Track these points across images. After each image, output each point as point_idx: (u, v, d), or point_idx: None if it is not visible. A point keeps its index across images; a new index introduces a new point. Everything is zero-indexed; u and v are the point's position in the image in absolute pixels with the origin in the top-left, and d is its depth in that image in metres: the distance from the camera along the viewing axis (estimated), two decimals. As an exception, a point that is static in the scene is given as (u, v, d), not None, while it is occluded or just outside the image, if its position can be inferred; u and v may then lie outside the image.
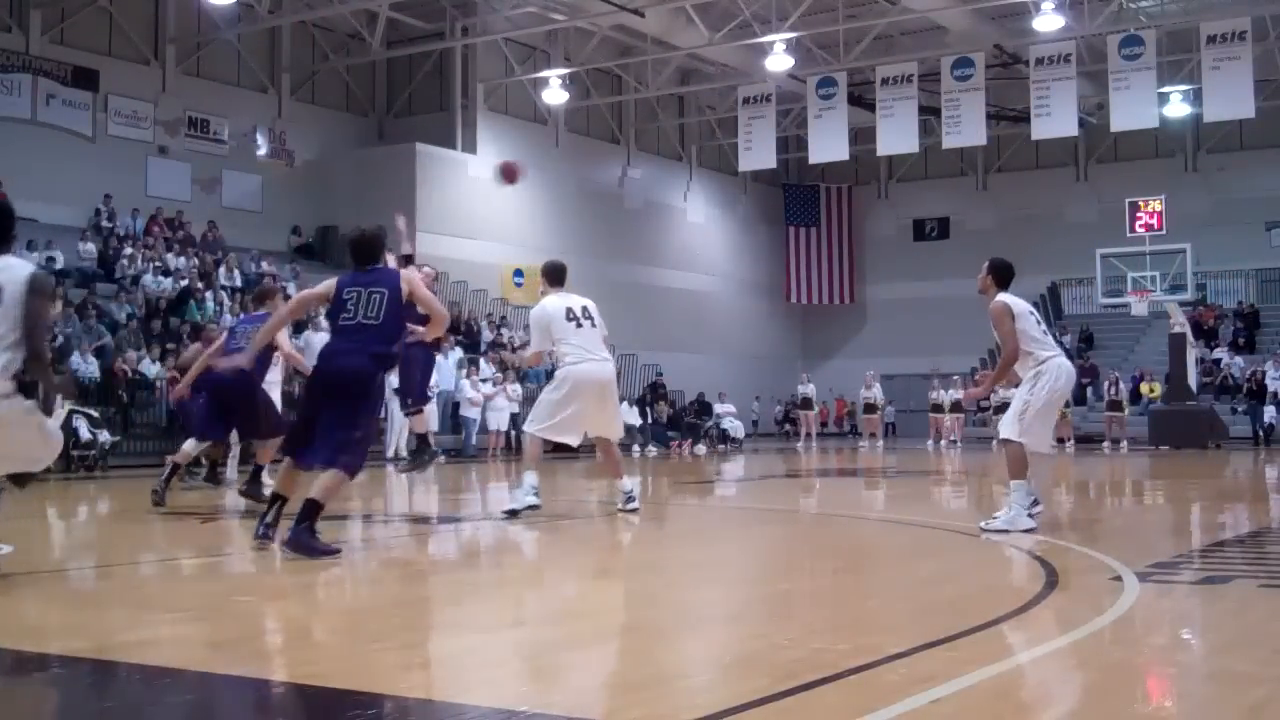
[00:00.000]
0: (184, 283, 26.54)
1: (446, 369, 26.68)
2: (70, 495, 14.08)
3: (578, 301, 10.87)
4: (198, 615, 5.95)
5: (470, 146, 34.93)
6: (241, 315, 14.02)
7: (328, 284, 8.15)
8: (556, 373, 10.71)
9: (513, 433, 27.67)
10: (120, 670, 4.60)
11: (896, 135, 32.93)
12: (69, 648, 5.05)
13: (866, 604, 6.34)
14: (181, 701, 4.23)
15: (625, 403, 30.12)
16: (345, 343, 7.87)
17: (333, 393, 7.74)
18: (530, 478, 10.50)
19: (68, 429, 18.93)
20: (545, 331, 10.64)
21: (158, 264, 26.96)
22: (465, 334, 30.57)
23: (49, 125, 28.16)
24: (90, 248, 26.50)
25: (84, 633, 5.47)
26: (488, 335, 31.43)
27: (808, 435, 34.38)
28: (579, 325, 10.57)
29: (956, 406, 32.91)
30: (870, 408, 34.45)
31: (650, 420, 30.55)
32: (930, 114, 33.86)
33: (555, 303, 10.73)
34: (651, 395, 32.04)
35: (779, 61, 32.95)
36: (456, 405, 26.42)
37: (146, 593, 6.89)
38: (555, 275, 11.11)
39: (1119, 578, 6.52)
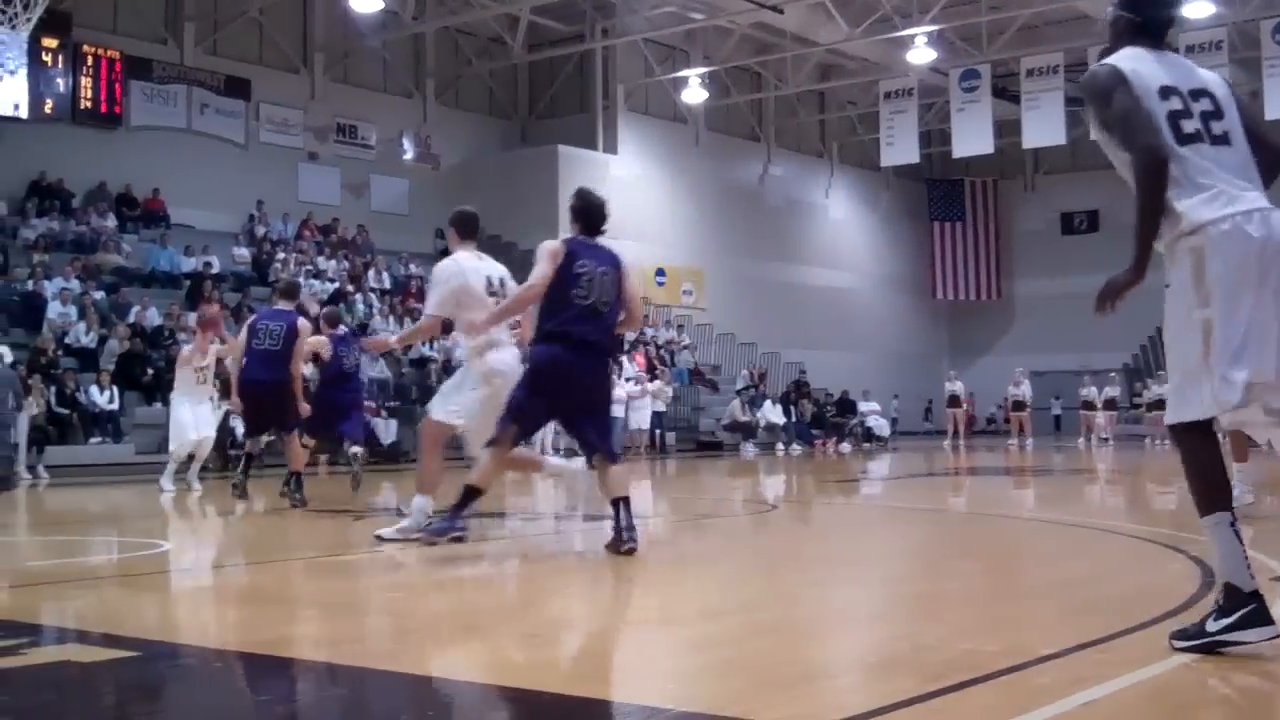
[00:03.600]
0: (335, 285, 27.15)
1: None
2: (226, 494, 14.48)
3: (496, 269, 8.69)
4: (349, 610, 6.09)
5: (611, 147, 35.14)
6: (263, 310, 14.02)
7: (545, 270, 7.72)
8: (471, 363, 8.42)
9: (657, 431, 27.81)
10: (275, 665, 4.73)
11: (1042, 127, 32.35)
12: (227, 642, 5.21)
13: (1016, 604, 6.25)
14: (337, 696, 4.33)
15: (770, 400, 30.11)
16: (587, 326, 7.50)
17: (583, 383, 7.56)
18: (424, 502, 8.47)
19: (225, 429, 19.49)
20: (453, 297, 8.34)
21: (309, 267, 27.61)
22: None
23: (204, 134, 29.02)
24: (244, 252, 27.23)
25: (240, 629, 5.63)
26: (630, 334, 31.52)
27: (955, 433, 33.93)
28: (498, 301, 8.38)
29: (1110, 404, 32.23)
30: (1019, 405, 33.86)
31: (794, 418, 30.43)
32: (1077, 105, 33.18)
33: (474, 264, 8.51)
34: (795, 393, 31.91)
35: (921, 55, 32.57)
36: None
37: (301, 588, 7.06)
38: (468, 226, 8.85)
39: (1279, 578, 6.34)
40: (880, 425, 32.93)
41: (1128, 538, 8.95)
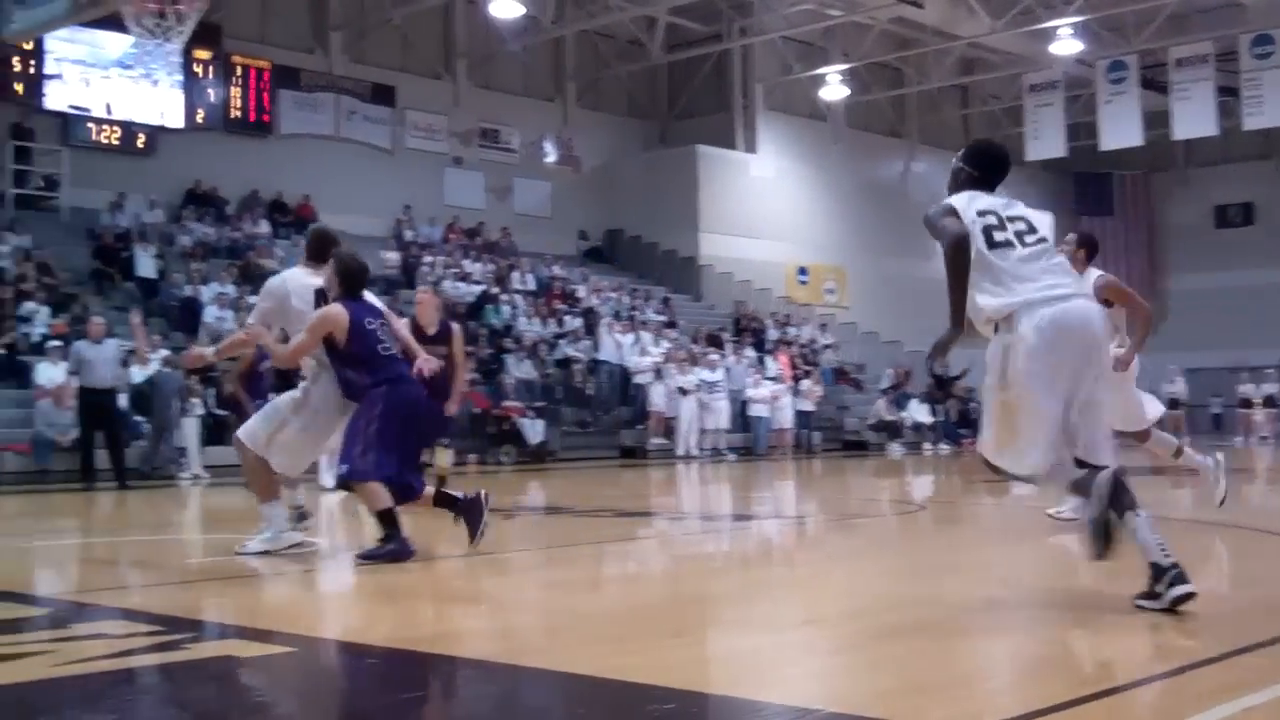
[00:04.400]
0: (481, 287, 27.54)
1: (737, 369, 26.94)
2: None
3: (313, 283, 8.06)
4: (499, 607, 6.20)
5: (751, 146, 35.09)
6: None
7: None
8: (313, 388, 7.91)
9: (804, 431, 27.72)
10: (431, 662, 4.83)
11: (1193, 118, 31.55)
12: (379, 638, 5.33)
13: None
14: (488, 693, 4.42)
15: (915, 400, 29.76)
16: None
17: None
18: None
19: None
20: (276, 312, 8.00)
21: (456, 270, 28.05)
22: (751, 333, 30.74)
23: (351, 140, 29.66)
24: (393, 256, 27.73)
25: (392, 625, 5.76)
26: (773, 334, 31.49)
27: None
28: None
29: (1269, 401, 31.32)
30: (1174, 403, 33.04)
31: (941, 417, 30.05)
32: (1229, 94, 32.30)
33: (302, 281, 8.06)
34: (941, 392, 31.48)
35: (1066, 46, 31.96)
36: (745, 404, 26.56)
37: (453, 586, 7.19)
38: (314, 245, 8.30)
39: None
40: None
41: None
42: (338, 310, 7.70)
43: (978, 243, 5.61)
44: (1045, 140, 34.21)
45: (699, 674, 4.54)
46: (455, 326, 11.86)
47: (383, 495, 7.63)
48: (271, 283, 8.18)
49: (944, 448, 28.37)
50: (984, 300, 5.60)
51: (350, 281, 7.89)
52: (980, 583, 6.96)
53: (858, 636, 5.29)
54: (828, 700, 4.07)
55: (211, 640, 5.39)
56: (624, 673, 4.41)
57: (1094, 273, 8.86)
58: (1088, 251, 9.00)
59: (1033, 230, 5.81)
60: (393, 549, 7.55)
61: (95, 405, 15.78)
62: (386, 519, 7.66)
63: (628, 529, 10.61)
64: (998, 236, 5.66)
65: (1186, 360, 36.49)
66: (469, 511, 8.03)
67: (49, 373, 17.98)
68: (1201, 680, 4.17)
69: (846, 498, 12.75)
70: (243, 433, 8.02)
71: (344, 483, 7.90)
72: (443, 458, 12.17)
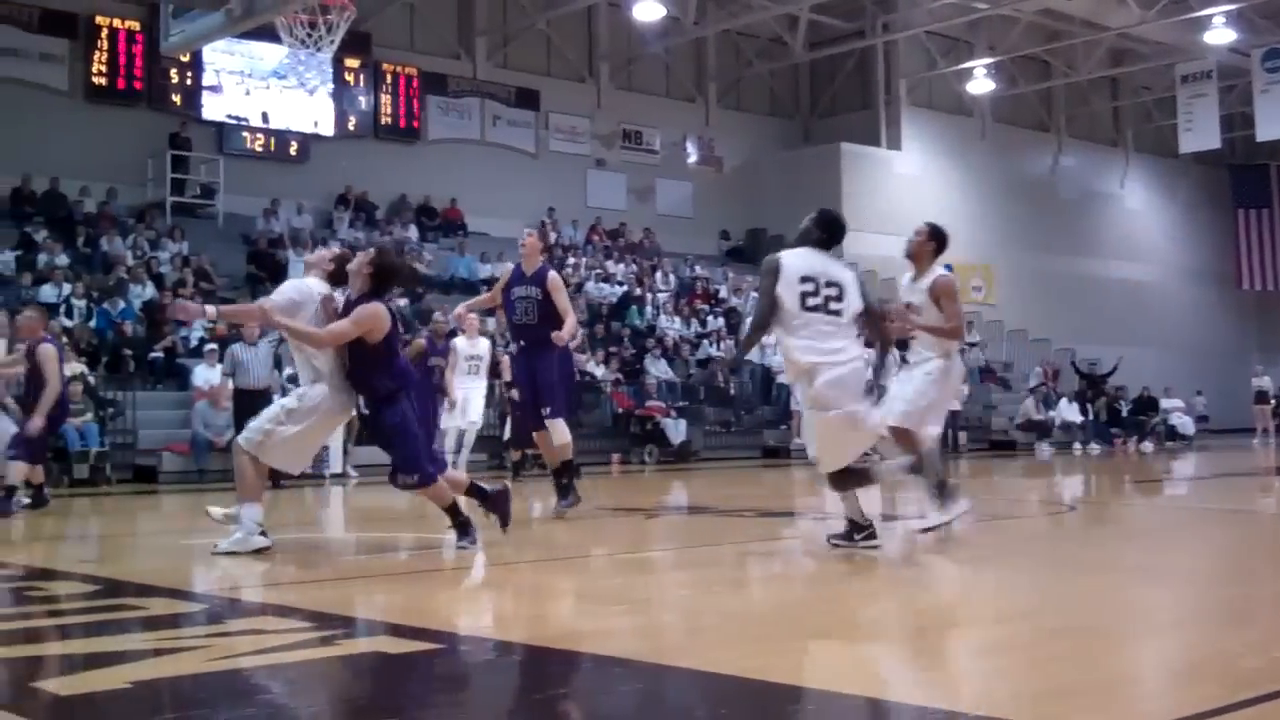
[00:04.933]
0: (623, 288, 27.69)
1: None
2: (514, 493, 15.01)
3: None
4: (640, 606, 6.24)
5: (895, 143, 34.75)
6: None
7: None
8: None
9: (950, 430, 27.34)
10: (576, 659, 4.89)
11: (1355, 107, 30.50)
12: (522, 635, 5.41)
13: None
14: (631, 691, 4.46)
15: (1065, 399, 29.19)
16: None
17: None
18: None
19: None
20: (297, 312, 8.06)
21: (599, 271, 28.24)
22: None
23: (496, 144, 30.06)
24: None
25: (535, 623, 5.84)
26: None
27: (1264, 431, 32.28)
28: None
29: None
30: (1261, 396, 32.07)
31: (1091, 416, 29.43)
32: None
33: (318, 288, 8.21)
34: (1090, 390, 30.85)
35: (1220, 35, 31.09)
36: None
37: (595, 585, 7.26)
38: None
39: None
40: (1184, 423, 31.50)
41: None
42: (384, 309, 7.82)
43: (792, 304, 7.59)
44: (1199, 132, 33.31)
45: (839, 675, 4.53)
46: (553, 274, 10.70)
47: (447, 490, 8.01)
48: (305, 284, 8.15)
49: (1095, 447, 27.74)
50: (799, 346, 7.61)
51: (387, 281, 8.02)
52: (1132, 584, 6.83)
53: (1005, 639, 5.23)
54: (974, 704, 4.04)
55: (362, 637, 5.52)
56: (765, 673, 4.42)
57: (937, 270, 9.04)
58: (936, 245, 9.03)
59: (840, 298, 7.64)
60: (471, 533, 7.98)
61: (249, 405, 16.21)
62: (455, 510, 8.04)
63: (770, 529, 10.60)
64: (810, 302, 7.54)
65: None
66: (498, 503, 8.40)
67: (205, 375, 18.50)
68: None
69: (994, 498, 12.56)
70: (242, 435, 8.13)
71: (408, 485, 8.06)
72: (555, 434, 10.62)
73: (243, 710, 4.11)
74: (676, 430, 23.59)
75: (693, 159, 33.70)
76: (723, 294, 29.65)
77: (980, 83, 34.20)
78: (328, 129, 27.32)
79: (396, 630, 5.49)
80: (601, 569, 7.99)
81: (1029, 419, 28.15)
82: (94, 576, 7.45)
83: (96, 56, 24.75)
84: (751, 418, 26.01)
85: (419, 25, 29.42)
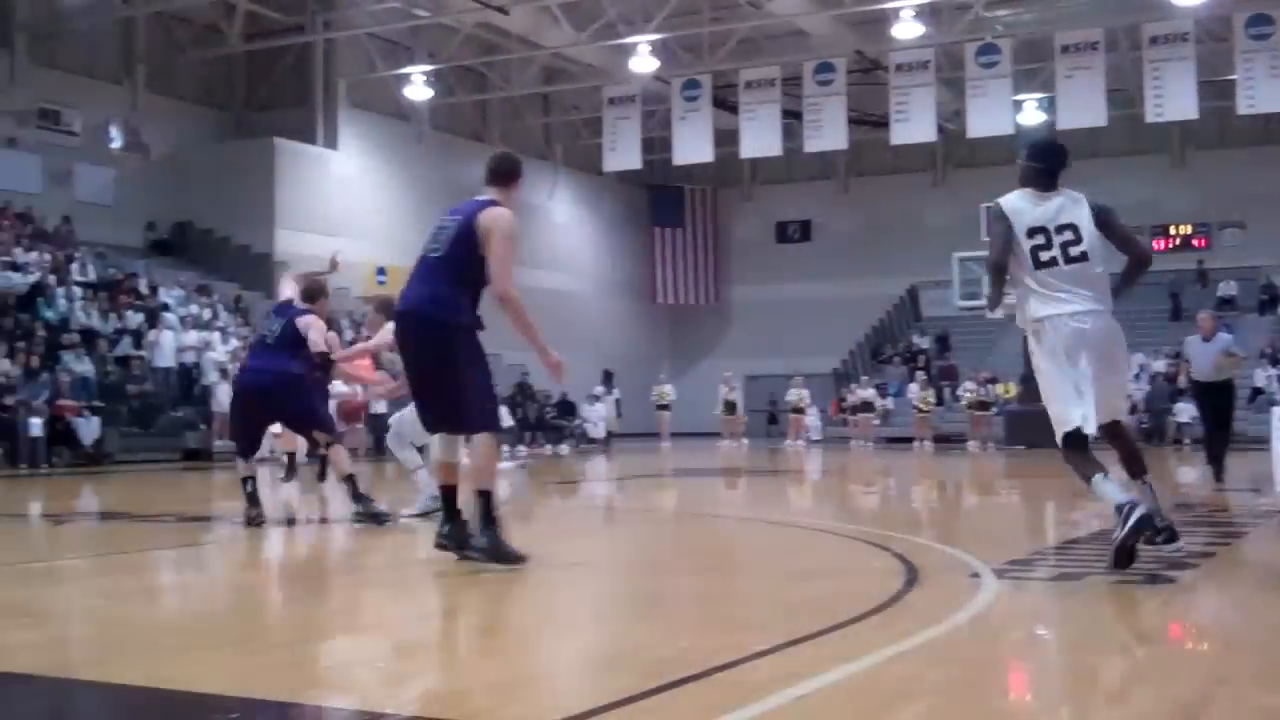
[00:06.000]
0: (34, 278, 25.76)
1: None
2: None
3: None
4: (49, 619, 5.78)
5: (332, 142, 34.44)
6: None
7: None
8: None
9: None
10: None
11: (759, 138, 33.16)
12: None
13: (732, 602, 6.37)
14: (32, 709, 4.10)
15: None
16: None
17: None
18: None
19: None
20: None
21: (7, 259, 26.10)
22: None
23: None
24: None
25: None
26: (349, 334, 30.98)
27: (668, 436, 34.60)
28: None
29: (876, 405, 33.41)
30: (730, 407, 34.81)
31: (518, 419, 30.40)
32: (793, 117, 34.20)
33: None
34: (520, 394, 31.90)
35: (644, 63, 33.00)
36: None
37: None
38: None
39: (977, 575, 6.64)
40: (597, 427, 33.13)
41: (834, 536, 9.26)
42: None
43: (1025, 261, 6.68)
44: (622, 152, 35.16)
45: (253, 681, 4.36)
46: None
47: None
48: None
49: (522, 450, 28.63)
50: (1034, 304, 6.72)
51: None
52: (553, 582, 7.01)
53: (421, 638, 5.21)
54: (398, 704, 3.99)
55: None
56: (177, 683, 4.20)
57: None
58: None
59: (1078, 241, 6.65)
60: None
61: None
62: None
63: (191, 535, 10.17)
64: (1043, 256, 6.62)
65: (746, 367, 38.48)
66: None
67: None
68: (758, 670, 4.33)
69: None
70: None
71: None
72: None
73: None
74: (89, 430, 22.31)
75: (117, 144, 31.86)
76: (143, 288, 28.22)
77: (419, 89, 34.55)
78: None
79: None
80: (2, 579, 7.35)
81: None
82: None
83: None
84: (170, 419, 25.00)
85: None
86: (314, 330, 9.69)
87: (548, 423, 32.05)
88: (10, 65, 29.50)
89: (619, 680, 4.28)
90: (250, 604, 6.46)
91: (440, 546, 7.16)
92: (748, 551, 9.05)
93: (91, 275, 27.65)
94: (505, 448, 28.59)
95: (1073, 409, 6.49)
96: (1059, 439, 6.62)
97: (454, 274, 7.05)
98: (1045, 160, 6.80)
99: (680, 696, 3.97)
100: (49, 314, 25.01)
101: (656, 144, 38.65)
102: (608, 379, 35.02)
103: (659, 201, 45.86)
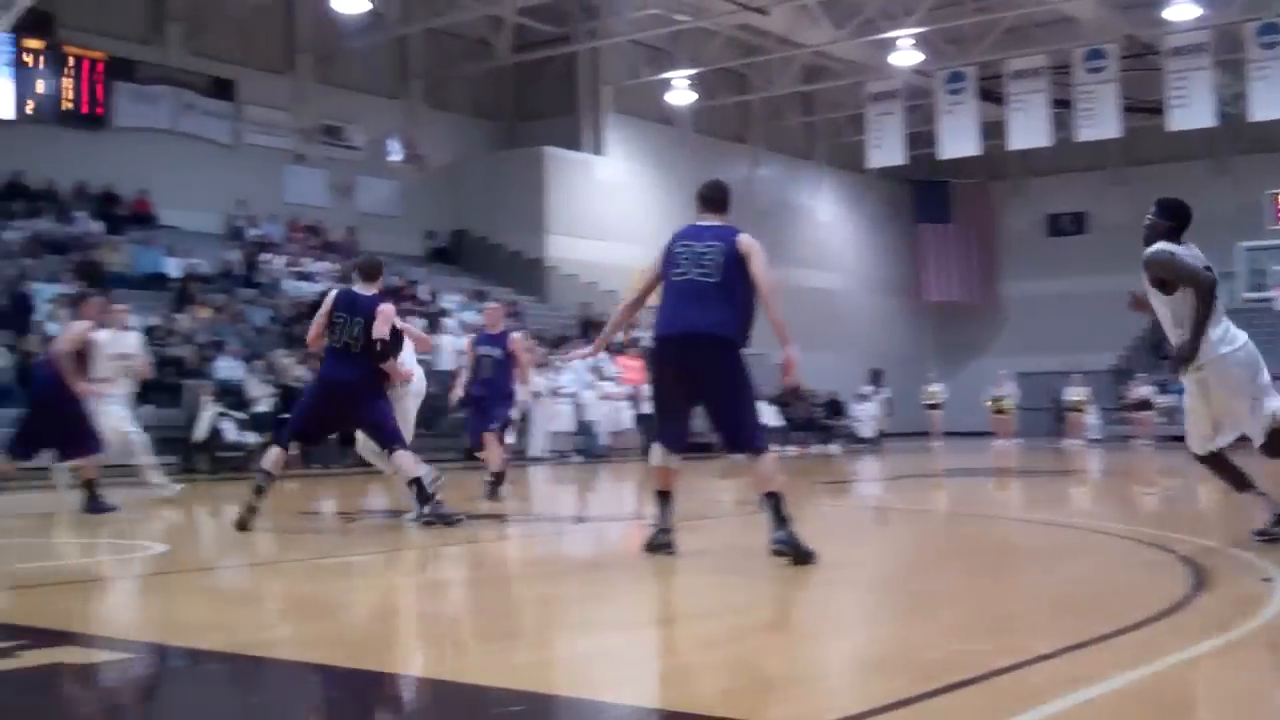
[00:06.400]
0: (323, 286, 27.03)
1: (580, 372, 26.90)
2: (218, 496, 14.47)
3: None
4: (348, 613, 6.07)
5: (598, 149, 35.13)
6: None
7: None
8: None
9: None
10: (256, 666, 4.70)
11: (1028, 129, 32.41)
12: (212, 644, 5.18)
13: (1009, 604, 6.25)
14: (326, 697, 4.31)
15: (764, 401, 29.93)
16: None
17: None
18: None
19: (215, 430, 19.49)
20: None
21: (298, 269, 27.53)
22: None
23: (189, 135, 28.86)
24: (231, 254, 27.11)
25: (227, 630, 5.60)
26: (618, 336, 31.55)
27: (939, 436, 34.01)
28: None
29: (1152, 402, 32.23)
30: (1003, 405, 33.96)
31: (787, 419, 30.37)
32: (1062, 106, 33.26)
33: None
34: (790, 395, 31.88)
35: (906, 57, 32.60)
36: (580, 407, 26.50)
37: (302, 590, 7.03)
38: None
39: (1270, 579, 6.34)
40: (866, 426, 32.78)
41: (1115, 539, 8.97)
42: None
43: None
44: (885, 149, 34.82)
45: (543, 676, 4.49)
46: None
47: None
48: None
49: (791, 450, 28.55)
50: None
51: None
52: (826, 583, 7.00)
53: (705, 636, 5.28)
54: (677, 701, 4.06)
55: (44, 648, 5.16)
56: (464, 676, 4.35)
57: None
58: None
59: None
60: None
61: None
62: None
63: (470, 533, 10.49)
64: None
65: (1018, 364, 37.49)
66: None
67: None
68: (1039, 674, 4.24)
69: (691, 499, 12.76)
70: None
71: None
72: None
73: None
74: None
75: (395, 157, 33.23)
76: (423, 295, 29.30)
77: (681, 93, 34.91)
78: (7, 112, 25.74)
79: (77, 640, 5.17)
80: (299, 575, 7.74)
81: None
82: None
83: None
84: (451, 420, 25.80)
85: (107, 7, 28.00)
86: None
87: (817, 422, 31.88)
88: (296, 86, 31.12)
89: (892, 682, 4.25)
90: (529, 598, 6.64)
91: (655, 549, 7.64)
92: (1024, 553, 8.84)
93: (376, 284, 28.83)
94: (775, 446, 28.62)
95: None
96: None
97: (732, 297, 7.45)
98: (1178, 218, 7.78)
99: (957, 699, 3.92)
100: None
101: (920, 139, 38.09)
102: (876, 377, 34.61)
103: (924, 197, 45.06)
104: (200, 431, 19.46)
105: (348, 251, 29.65)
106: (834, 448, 30.42)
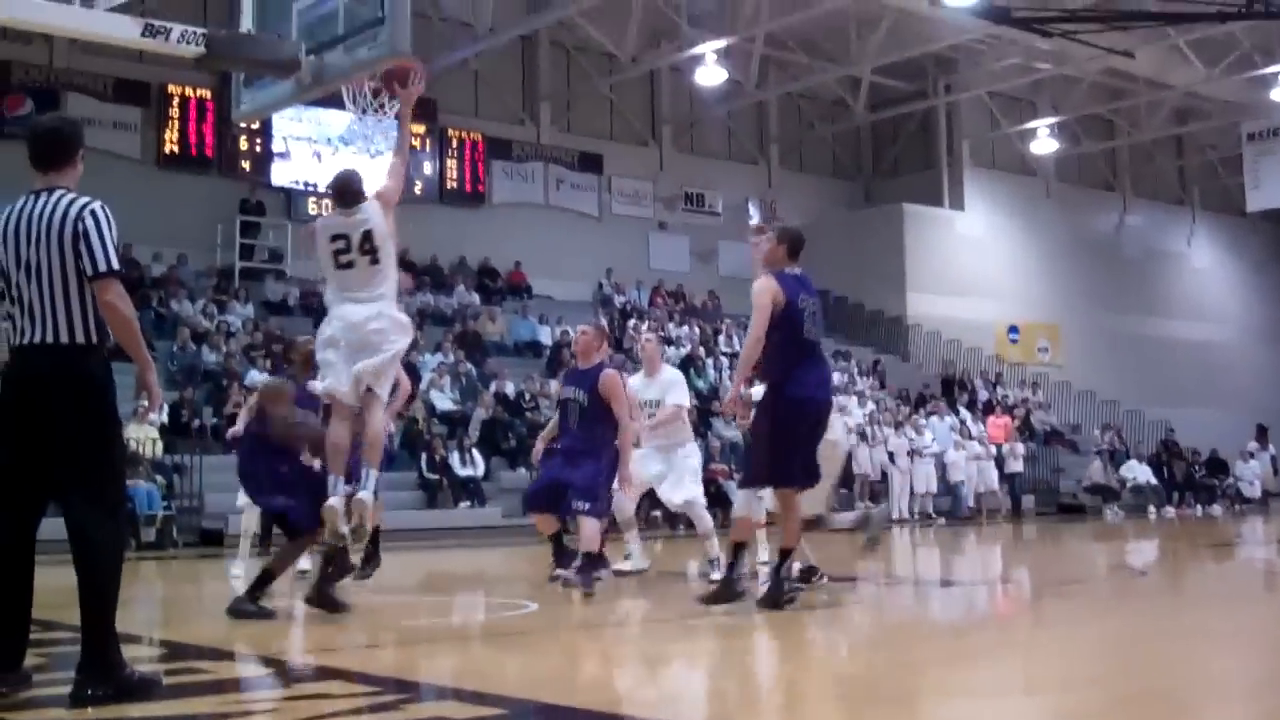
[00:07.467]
0: (685, 350, 27.67)
1: (942, 431, 26.47)
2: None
3: None
4: (690, 671, 6.16)
5: (958, 203, 34.68)
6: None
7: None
8: None
9: (1011, 494, 27.06)
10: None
11: None
12: (596, 702, 5.35)
13: None
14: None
15: (1135, 460, 28.75)
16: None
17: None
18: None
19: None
20: None
21: (662, 333, 28.23)
22: (963, 393, 30.25)
23: (560, 208, 30.28)
24: (599, 320, 28.08)
25: (597, 689, 5.77)
26: (983, 395, 30.94)
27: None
28: None
29: None
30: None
31: (1166, 479, 29.02)
32: None
33: None
34: (1166, 453, 30.51)
35: (1286, 93, 30.91)
36: (946, 467, 26.05)
37: (659, 649, 7.19)
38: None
39: None
40: (1252, 487, 30.87)
41: None
42: None
43: None
44: (1265, 190, 33.03)
45: None
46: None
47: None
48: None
49: (1170, 511, 27.25)
50: None
51: None
52: (1210, 652, 6.68)
53: (1076, 706, 5.12)
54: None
55: (427, 702, 5.48)
56: None
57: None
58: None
59: None
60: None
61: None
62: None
63: (834, 593, 10.48)
64: None
65: None
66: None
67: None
68: None
69: (1062, 562, 12.39)
70: None
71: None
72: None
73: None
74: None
75: (755, 220, 33.69)
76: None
77: (1044, 142, 34.10)
78: (397, 195, 27.52)
79: (459, 695, 5.47)
80: (669, 633, 7.91)
81: (1094, 482, 27.74)
82: (160, 640, 7.48)
83: (168, 125, 25.23)
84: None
85: (484, 91, 29.76)
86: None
87: (1197, 482, 30.28)
88: (659, 155, 32.12)
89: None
90: (896, 663, 6.60)
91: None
92: None
93: (736, 345, 29.27)
94: (1152, 508, 27.41)
95: None
96: None
97: None
98: None
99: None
100: (699, 383, 26.70)
101: (1306, 178, 35.83)
102: (1262, 434, 32.59)
103: (1312, 239, 42.33)
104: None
105: (709, 316, 30.28)
106: (1216, 508, 28.79)
